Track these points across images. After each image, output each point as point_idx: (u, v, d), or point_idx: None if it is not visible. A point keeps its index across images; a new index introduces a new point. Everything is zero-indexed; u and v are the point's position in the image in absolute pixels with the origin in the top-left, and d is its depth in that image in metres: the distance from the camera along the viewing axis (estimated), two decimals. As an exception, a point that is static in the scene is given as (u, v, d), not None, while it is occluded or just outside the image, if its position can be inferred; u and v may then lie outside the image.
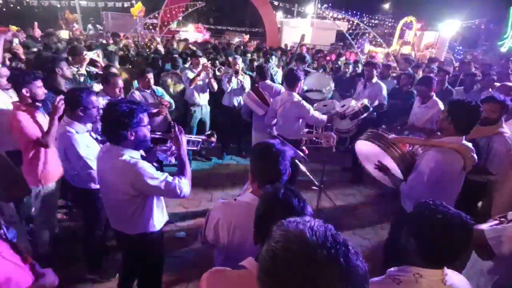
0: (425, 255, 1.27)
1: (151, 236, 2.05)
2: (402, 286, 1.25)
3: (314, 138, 3.59)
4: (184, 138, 2.07)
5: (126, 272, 2.42)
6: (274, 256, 0.71)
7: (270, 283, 0.71)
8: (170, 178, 1.88)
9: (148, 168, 1.82)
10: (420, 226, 1.30)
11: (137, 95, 3.90)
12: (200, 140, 2.32)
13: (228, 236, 1.52)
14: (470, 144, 2.28)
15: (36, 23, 8.93)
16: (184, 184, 1.93)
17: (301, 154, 2.80)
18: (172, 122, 2.08)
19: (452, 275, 1.28)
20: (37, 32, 9.06)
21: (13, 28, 9.70)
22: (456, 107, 2.18)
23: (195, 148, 2.40)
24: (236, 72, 4.94)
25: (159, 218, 2.08)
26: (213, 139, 2.32)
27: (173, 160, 2.31)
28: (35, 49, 5.30)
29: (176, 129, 2.05)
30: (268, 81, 4.56)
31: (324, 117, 3.64)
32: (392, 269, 1.34)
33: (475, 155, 2.27)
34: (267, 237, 1.02)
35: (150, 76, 3.90)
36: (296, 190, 1.21)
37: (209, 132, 2.38)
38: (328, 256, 0.66)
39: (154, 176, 1.82)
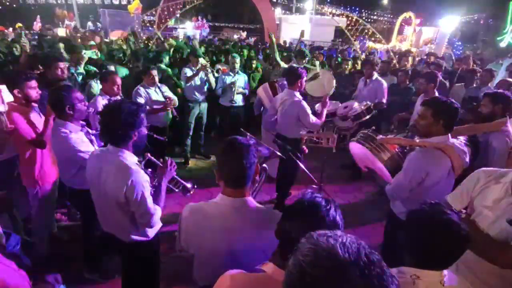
0: (418, 258, 1.28)
1: (144, 245, 2.04)
2: None
3: (315, 138, 3.55)
4: (173, 171, 2.08)
5: (126, 274, 2.39)
6: (301, 272, 0.65)
7: None
8: (152, 205, 1.88)
9: (147, 182, 1.83)
10: (415, 230, 1.31)
11: (142, 91, 3.94)
12: (183, 183, 2.26)
13: (198, 239, 1.46)
14: (459, 144, 2.17)
15: (38, 16, 8.85)
16: (158, 215, 1.95)
17: (278, 153, 2.65)
18: (167, 157, 2.08)
19: (451, 276, 1.26)
20: (38, 26, 8.99)
21: (19, 25, 9.62)
22: (444, 107, 2.11)
23: (174, 188, 2.24)
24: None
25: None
26: (192, 191, 2.27)
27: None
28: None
29: (169, 161, 2.05)
30: None
31: (319, 122, 3.61)
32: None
33: (467, 158, 2.16)
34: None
35: (155, 73, 3.97)
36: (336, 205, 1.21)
37: (191, 186, 2.28)
38: (361, 276, 0.61)
39: (147, 193, 1.82)
